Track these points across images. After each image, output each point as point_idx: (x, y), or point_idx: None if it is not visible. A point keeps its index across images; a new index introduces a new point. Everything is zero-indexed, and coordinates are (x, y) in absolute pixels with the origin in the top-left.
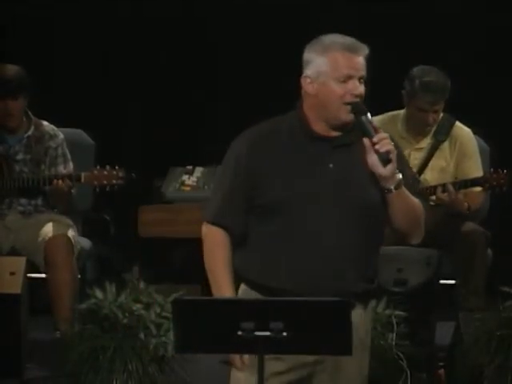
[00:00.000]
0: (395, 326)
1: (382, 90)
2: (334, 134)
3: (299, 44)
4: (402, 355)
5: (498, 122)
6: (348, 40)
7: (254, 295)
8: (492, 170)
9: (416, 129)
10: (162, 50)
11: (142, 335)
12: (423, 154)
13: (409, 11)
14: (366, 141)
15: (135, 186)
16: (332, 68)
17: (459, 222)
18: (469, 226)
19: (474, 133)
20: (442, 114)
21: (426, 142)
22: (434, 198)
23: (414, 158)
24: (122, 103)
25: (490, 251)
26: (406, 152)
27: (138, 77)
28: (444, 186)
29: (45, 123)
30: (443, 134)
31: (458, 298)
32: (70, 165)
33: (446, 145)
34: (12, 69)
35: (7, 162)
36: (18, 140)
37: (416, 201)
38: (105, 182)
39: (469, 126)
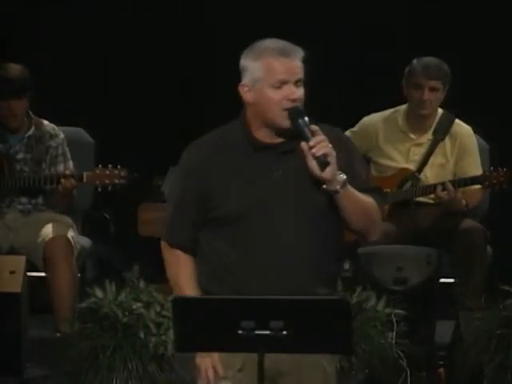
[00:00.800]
0: (395, 325)
1: (384, 89)
2: (279, 140)
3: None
4: (401, 354)
5: (498, 120)
6: (281, 44)
7: None
8: (492, 168)
9: (415, 116)
10: (163, 50)
11: (141, 334)
12: (423, 151)
13: (409, 10)
14: (303, 145)
15: (135, 185)
16: (266, 74)
17: (458, 219)
18: (468, 223)
19: (474, 131)
20: (441, 112)
21: (425, 138)
22: (432, 196)
23: (414, 154)
24: (121, 102)
25: (489, 249)
26: (405, 147)
27: (138, 76)
28: (443, 184)
29: (45, 122)
30: (442, 132)
31: (457, 297)
32: (70, 164)
33: (446, 142)
34: (16, 69)
35: (8, 162)
36: (19, 139)
37: (367, 199)
38: (107, 181)
39: (469, 125)
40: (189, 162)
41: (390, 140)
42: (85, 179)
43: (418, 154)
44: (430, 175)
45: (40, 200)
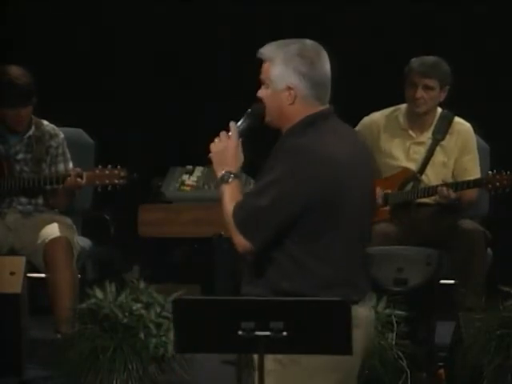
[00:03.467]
0: (395, 326)
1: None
2: None
3: None
4: (401, 355)
5: (499, 121)
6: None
7: None
8: (495, 171)
9: (412, 114)
10: (163, 49)
11: (142, 335)
12: (423, 150)
13: (410, 12)
14: None
15: (135, 186)
16: None
17: (458, 220)
18: (468, 224)
19: (475, 132)
20: (440, 111)
21: (426, 137)
22: (433, 197)
23: (414, 152)
24: (121, 103)
25: (490, 251)
26: (406, 145)
27: (138, 76)
28: (442, 186)
29: (45, 122)
30: (442, 131)
31: (458, 298)
32: (70, 164)
33: (447, 140)
34: (21, 74)
35: (8, 162)
36: (19, 139)
37: (228, 206)
38: (106, 181)
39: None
40: None
41: (391, 138)
42: (84, 179)
43: (418, 152)
44: (431, 175)
45: (40, 200)
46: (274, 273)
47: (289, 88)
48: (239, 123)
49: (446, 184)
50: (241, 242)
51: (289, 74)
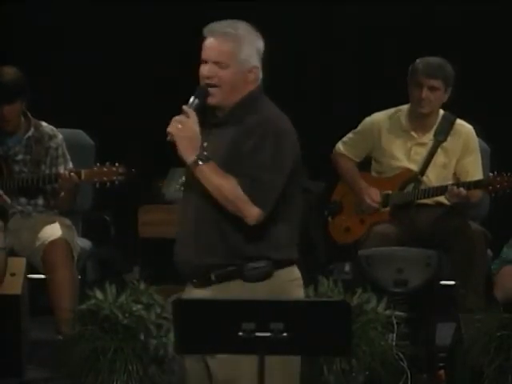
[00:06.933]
0: (395, 327)
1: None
2: (218, 114)
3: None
4: (402, 356)
5: (500, 123)
6: (212, 24)
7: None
8: (496, 172)
9: (416, 115)
10: (163, 49)
11: (142, 336)
12: (425, 151)
13: (410, 12)
14: None
15: (135, 187)
16: None
17: (458, 221)
18: (468, 225)
19: (476, 133)
20: (442, 113)
21: (428, 138)
22: (433, 198)
23: (416, 153)
24: (122, 104)
25: (490, 252)
26: (407, 146)
27: (138, 77)
28: (447, 187)
29: (44, 124)
30: (443, 133)
31: (458, 299)
32: (70, 164)
33: (448, 142)
34: (9, 72)
35: (6, 163)
36: (18, 141)
37: (225, 182)
38: (105, 178)
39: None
40: None
41: (393, 139)
42: (83, 177)
43: (419, 153)
44: (432, 176)
45: (40, 201)
46: (236, 238)
47: (254, 68)
48: (190, 104)
49: (457, 183)
50: (254, 213)
51: (253, 54)
